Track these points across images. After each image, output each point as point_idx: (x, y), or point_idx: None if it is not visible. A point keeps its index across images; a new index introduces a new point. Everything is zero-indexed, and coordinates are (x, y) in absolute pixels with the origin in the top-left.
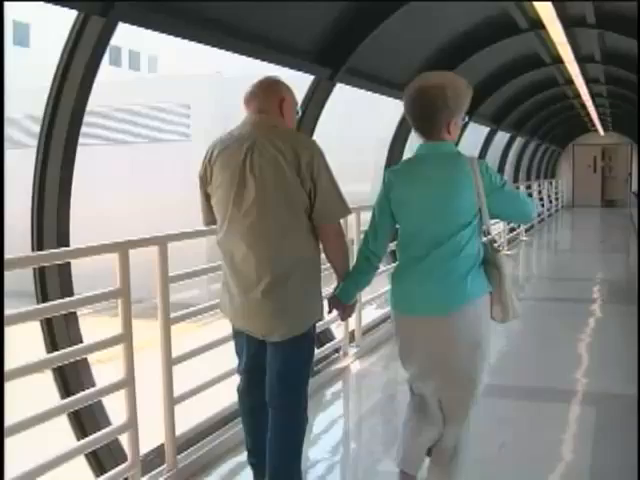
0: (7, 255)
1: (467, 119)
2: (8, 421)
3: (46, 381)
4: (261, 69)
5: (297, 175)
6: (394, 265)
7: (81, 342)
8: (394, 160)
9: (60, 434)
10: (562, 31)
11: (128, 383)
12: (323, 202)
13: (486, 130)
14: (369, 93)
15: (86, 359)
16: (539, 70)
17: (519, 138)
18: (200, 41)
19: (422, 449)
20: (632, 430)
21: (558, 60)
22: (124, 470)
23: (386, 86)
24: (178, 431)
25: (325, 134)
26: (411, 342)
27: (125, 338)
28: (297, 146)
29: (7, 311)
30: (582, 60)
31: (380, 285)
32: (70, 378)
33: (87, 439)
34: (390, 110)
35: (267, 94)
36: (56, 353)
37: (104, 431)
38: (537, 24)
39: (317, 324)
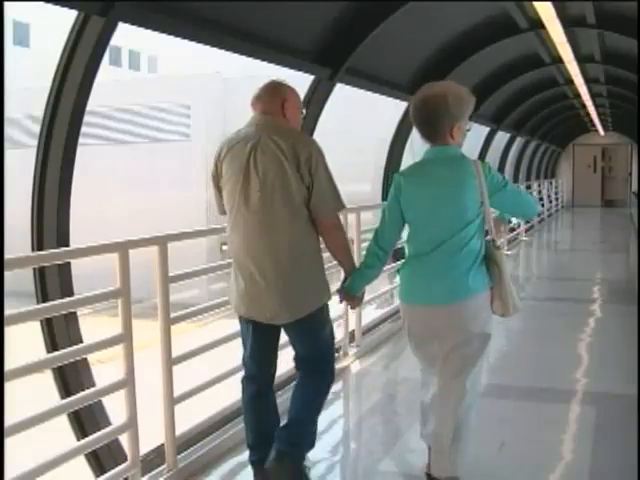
0: (7, 255)
1: (470, 125)
2: (8, 421)
3: (46, 381)
4: (261, 69)
5: (297, 171)
6: (395, 265)
7: (81, 342)
8: (394, 160)
9: (60, 434)
10: (562, 31)
11: (128, 383)
12: (319, 196)
13: (486, 130)
14: (369, 93)
15: (86, 359)
16: (539, 70)
17: (519, 138)
18: (200, 41)
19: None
20: (632, 430)
21: (558, 60)
22: (124, 470)
23: (386, 86)
24: (178, 431)
25: (325, 134)
26: (418, 329)
27: (125, 338)
28: (296, 144)
29: (7, 311)
30: (582, 60)
31: (381, 285)
32: (70, 378)
33: (87, 439)
34: (390, 110)
35: (271, 96)
36: (56, 353)
37: (104, 431)
38: (537, 24)
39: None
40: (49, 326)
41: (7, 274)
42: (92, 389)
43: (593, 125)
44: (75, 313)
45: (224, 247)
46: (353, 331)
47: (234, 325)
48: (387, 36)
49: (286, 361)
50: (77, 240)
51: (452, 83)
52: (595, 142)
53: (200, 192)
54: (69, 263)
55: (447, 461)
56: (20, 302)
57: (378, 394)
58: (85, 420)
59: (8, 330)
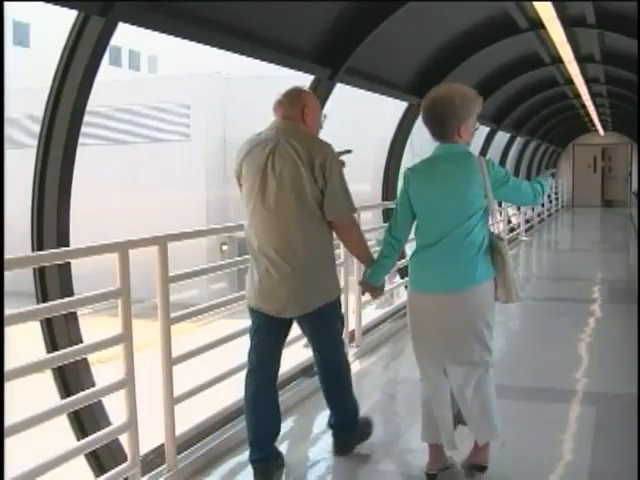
0: (7, 255)
1: (478, 125)
2: (8, 421)
3: (46, 381)
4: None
5: (312, 174)
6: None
7: (81, 342)
8: (394, 160)
9: (60, 434)
10: (562, 31)
11: (128, 383)
12: (331, 199)
13: (486, 130)
14: (369, 93)
15: (86, 359)
16: (539, 70)
17: (519, 138)
18: (200, 41)
19: (445, 423)
20: (632, 430)
21: (558, 60)
22: (124, 470)
23: (386, 86)
24: (178, 431)
25: (325, 134)
26: (423, 316)
27: (125, 338)
28: (312, 149)
29: (7, 311)
30: (582, 60)
31: None
32: (70, 378)
33: (87, 439)
34: (390, 110)
35: (291, 102)
36: (56, 353)
37: (104, 431)
38: (537, 24)
39: None
40: (49, 326)
41: (7, 274)
42: (92, 389)
43: (593, 125)
44: (75, 313)
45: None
46: (353, 331)
47: (234, 325)
48: (387, 36)
49: (287, 359)
50: (77, 240)
51: (459, 85)
52: (595, 142)
53: (200, 192)
54: (69, 263)
55: (483, 428)
56: (20, 302)
57: (378, 394)
58: (85, 420)
59: (8, 330)
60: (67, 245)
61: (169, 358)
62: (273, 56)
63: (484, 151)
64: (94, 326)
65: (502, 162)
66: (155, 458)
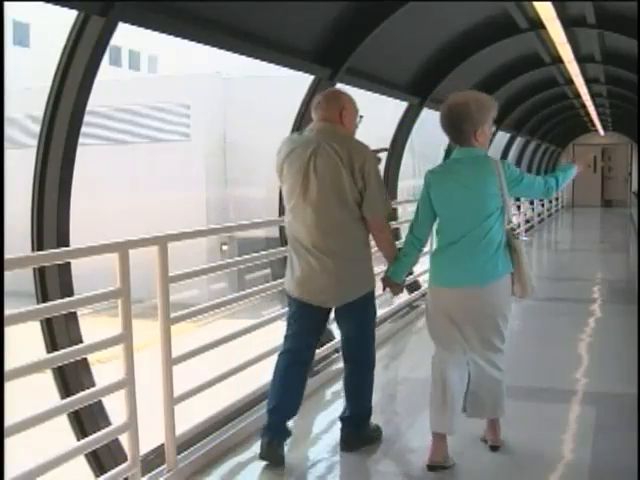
0: (7, 255)
1: (495, 128)
2: (8, 421)
3: (46, 381)
4: (261, 69)
5: (351, 176)
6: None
7: (81, 342)
8: (394, 160)
9: (60, 434)
10: (562, 31)
11: (128, 383)
12: (370, 199)
13: None
14: (369, 93)
15: (86, 359)
16: (539, 70)
17: (519, 138)
18: (200, 41)
19: (451, 415)
20: (632, 430)
21: (558, 60)
22: (124, 470)
23: (386, 86)
24: (178, 431)
25: None
26: (448, 309)
27: (125, 338)
28: (352, 152)
29: (7, 311)
30: (582, 60)
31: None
32: (70, 378)
33: (87, 439)
34: (390, 110)
35: (329, 104)
36: (56, 353)
37: (104, 431)
38: (537, 24)
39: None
40: (49, 326)
41: (7, 274)
42: (92, 389)
43: (593, 125)
44: (75, 313)
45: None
46: None
47: (234, 325)
48: (387, 36)
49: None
50: (77, 240)
51: (475, 92)
52: (595, 142)
53: (200, 192)
54: (69, 263)
55: (496, 405)
56: (20, 302)
57: (378, 394)
58: (85, 420)
59: (8, 330)
60: (67, 245)
61: (169, 358)
62: (273, 56)
63: None
64: (94, 326)
65: None
66: (155, 458)
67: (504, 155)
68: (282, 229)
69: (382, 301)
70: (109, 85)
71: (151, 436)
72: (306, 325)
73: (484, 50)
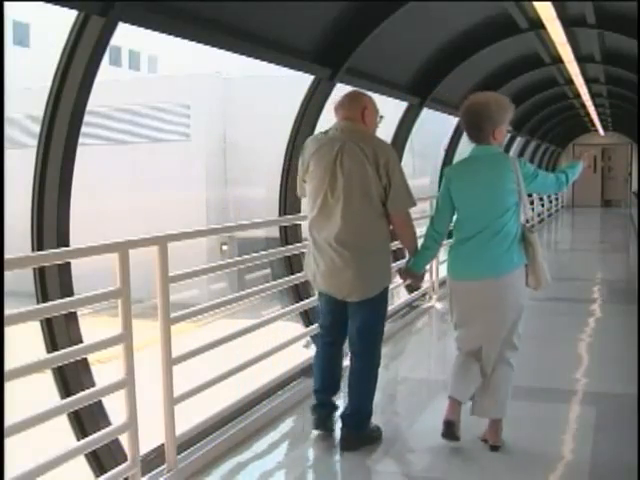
0: (7, 255)
1: (511, 128)
2: (8, 421)
3: (46, 381)
4: (261, 69)
5: (376, 173)
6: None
7: (81, 342)
8: None
9: (60, 434)
10: (562, 31)
11: (128, 383)
12: (394, 195)
13: None
14: (369, 93)
15: (86, 359)
16: (539, 70)
17: (519, 138)
18: (200, 41)
19: (469, 385)
20: (632, 430)
21: (558, 60)
22: (124, 470)
23: (386, 86)
24: (178, 431)
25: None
26: (466, 300)
27: (125, 338)
28: (377, 150)
29: (7, 311)
30: (582, 60)
31: None
32: (70, 378)
33: (87, 439)
34: (390, 110)
35: (352, 104)
36: (56, 353)
37: (104, 431)
38: (537, 24)
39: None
40: (49, 326)
41: (7, 274)
42: (92, 389)
43: (593, 125)
44: (75, 313)
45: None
46: None
47: (234, 325)
48: (387, 36)
49: (284, 364)
50: (77, 240)
51: (494, 93)
52: (595, 142)
53: (200, 192)
54: (69, 263)
55: (497, 404)
56: (20, 302)
57: (378, 394)
58: (85, 420)
59: (8, 330)
60: (67, 245)
61: (169, 358)
62: (273, 56)
63: None
64: (94, 326)
65: None
66: (155, 458)
67: None
68: (282, 229)
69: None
70: (109, 85)
71: (151, 436)
72: (334, 316)
73: (484, 50)
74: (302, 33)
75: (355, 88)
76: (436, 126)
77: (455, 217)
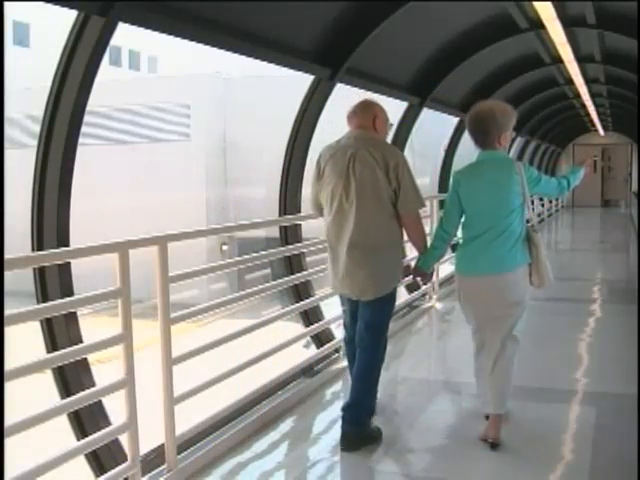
0: (7, 255)
1: (515, 134)
2: (8, 421)
3: (46, 381)
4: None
5: (386, 176)
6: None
7: (81, 342)
8: None
9: (60, 434)
10: (562, 31)
11: (128, 383)
12: (404, 197)
13: None
14: (369, 93)
15: (86, 359)
16: (539, 70)
17: (519, 138)
18: (200, 41)
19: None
20: (632, 430)
21: (558, 60)
22: (124, 470)
23: (386, 86)
24: (178, 431)
25: (326, 134)
26: (471, 294)
27: (125, 338)
28: (386, 155)
29: (7, 311)
30: (582, 60)
31: None
32: (70, 378)
33: (87, 439)
34: (390, 110)
35: (364, 113)
36: (56, 353)
37: (104, 431)
38: (537, 24)
39: (320, 322)
40: (49, 326)
41: (7, 274)
42: (92, 389)
43: (593, 125)
44: (75, 313)
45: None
46: None
47: (234, 325)
48: (387, 36)
49: (284, 364)
50: (77, 240)
51: (498, 101)
52: (595, 142)
53: (200, 192)
54: (69, 263)
55: (499, 398)
56: (20, 302)
57: (378, 394)
58: (85, 420)
59: (8, 330)
60: (67, 245)
61: (169, 358)
62: (273, 56)
63: None
64: (94, 326)
65: None
66: (155, 458)
67: None
68: (282, 229)
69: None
70: (109, 85)
71: (151, 436)
72: (353, 315)
73: (484, 50)
74: (302, 33)
75: (367, 97)
76: (436, 126)
77: (463, 217)
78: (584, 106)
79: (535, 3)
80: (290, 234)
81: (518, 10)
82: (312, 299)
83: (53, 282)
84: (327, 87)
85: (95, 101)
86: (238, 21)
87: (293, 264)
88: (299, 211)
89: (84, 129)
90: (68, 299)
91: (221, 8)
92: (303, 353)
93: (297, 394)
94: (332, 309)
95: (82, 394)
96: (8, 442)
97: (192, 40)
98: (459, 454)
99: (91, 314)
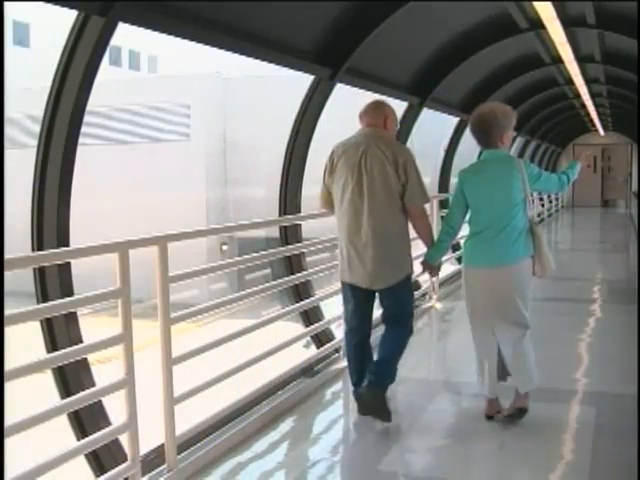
0: (7, 255)
1: (516, 134)
2: (8, 421)
3: (46, 381)
4: (261, 69)
5: (395, 172)
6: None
7: (81, 342)
8: None
9: (60, 434)
10: (562, 31)
11: (128, 383)
12: (411, 191)
13: None
14: (369, 93)
15: (86, 359)
16: (539, 70)
17: (519, 138)
18: (200, 41)
19: (491, 375)
20: (632, 430)
21: (558, 60)
22: (124, 470)
23: (386, 86)
24: (178, 431)
25: (326, 134)
26: (477, 286)
27: (125, 338)
28: (396, 152)
29: (7, 311)
30: (582, 60)
31: None
32: (70, 378)
33: (87, 439)
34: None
35: (376, 113)
36: (56, 353)
37: (104, 431)
38: (537, 24)
39: (320, 322)
40: (49, 326)
41: (7, 274)
42: (92, 389)
43: (593, 125)
44: (75, 313)
45: (224, 247)
46: None
47: (234, 325)
48: (387, 36)
49: (287, 359)
50: (77, 240)
51: (499, 103)
52: (595, 142)
53: (200, 192)
54: (69, 263)
55: (523, 377)
56: (20, 302)
57: None
58: (85, 420)
59: (8, 330)
60: (67, 245)
61: (169, 358)
62: (273, 56)
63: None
64: (94, 326)
65: None
66: (155, 458)
67: None
68: (282, 229)
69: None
70: (109, 85)
71: (151, 436)
72: (359, 306)
73: (484, 50)
74: (302, 33)
75: (380, 99)
76: (436, 126)
77: (469, 213)
78: (584, 106)
79: (535, 3)
80: (290, 234)
81: (518, 10)
82: (312, 299)
83: (53, 282)
84: (327, 87)
85: (95, 101)
86: (238, 21)
87: (293, 264)
88: (299, 211)
89: (84, 129)
90: (68, 299)
91: (221, 8)
92: (303, 353)
93: (297, 394)
94: (332, 309)
95: (82, 394)
96: (8, 442)
97: (192, 40)
98: (459, 454)
99: (91, 314)
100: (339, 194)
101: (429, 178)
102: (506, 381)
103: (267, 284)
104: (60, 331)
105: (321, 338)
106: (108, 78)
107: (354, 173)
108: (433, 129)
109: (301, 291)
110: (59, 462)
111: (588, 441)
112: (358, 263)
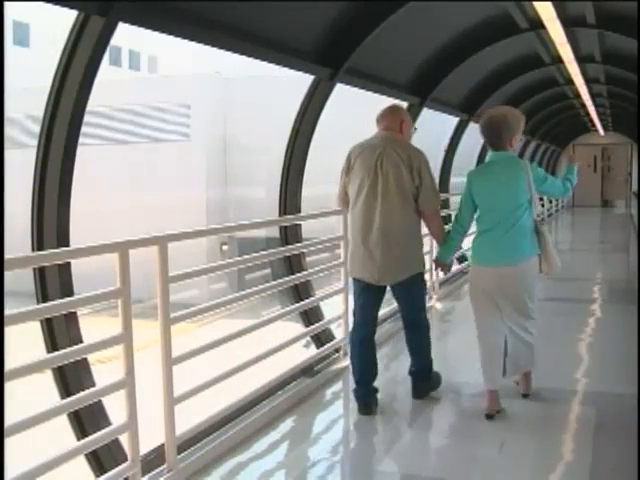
0: (7, 255)
1: (524, 138)
2: (8, 421)
3: (46, 381)
4: (261, 69)
5: (410, 174)
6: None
7: (81, 342)
8: None
9: (60, 434)
10: (562, 31)
11: (128, 383)
12: (425, 194)
13: None
14: (369, 93)
15: (86, 359)
16: (539, 70)
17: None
18: (200, 41)
19: (497, 368)
20: (632, 430)
21: (558, 60)
22: (124, 470)
23: (386, 86)
24: (178, 431)
25: (326, 134)
26: (487, 284)
27: (125, 338)
28: (411, 155)
29: (7, 311)
30: (582, 60)
31: None
32: (70, 378)
33: (87, 439)
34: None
35: (392, 117)
36: (56, 353)
37: (104, 431)
38: (537, 24)
39: (320, 322)
40: (49, 326)
41: (7, 274)
42: (92, 389)
43: (593, 125)
44: (75, 313)
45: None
46: None
47: (234, 325)
48: (387, 36)
49: (284, 364)
50: (77, 240)
51: (509, 107)
52: (595, 142)
53: (200, 192)
54: (69, 263)
55: (528, 359)
56: (20, 302)
57: (378, 394)
58: (85, 420)
59: (8, 330)
60: (67, 245)
61: (169, 358)
62: (273, 56)
63: (483, 152)
64: (94, 326)
65: None
66: (155, 458)
67: None
68: (282, 229)
69: None
70: (109, 85)
71: (151, 436)
72: (368, 301)
73: (484, 50)
74: (302, 33)
75: (397, 104)
76: (436, 126)
77: (477, 213)
78: (584, 106)
79: (535, 3)
80: (290, 234)
81: (518, 10)
82: (312, 299)
83: (53, 282)
84: (327, 87)
85: (95, 101)
86: (238, 21)
87: (293, 264)
88: (299, 211)
89: (84, 129)
90: (68, 299)
91: (221, 8)
92: (303, 353)
93: (297, 394)
94: (332, 309)
95: (82, 394)
96: (8, 442)
97: (192, 40)
98: (460, 454)
99: (91, 314)
100: (354, 194)
101: None
102: (506, 376)
103: (267, 284)
104: (60, 331)
105: (321, 338)
106: (108, 78)
107: (370, 174)
108: (433, 129)
109: (301, 291)
110: (59, 462)
111: (588, 441)
112: (368, 259)
